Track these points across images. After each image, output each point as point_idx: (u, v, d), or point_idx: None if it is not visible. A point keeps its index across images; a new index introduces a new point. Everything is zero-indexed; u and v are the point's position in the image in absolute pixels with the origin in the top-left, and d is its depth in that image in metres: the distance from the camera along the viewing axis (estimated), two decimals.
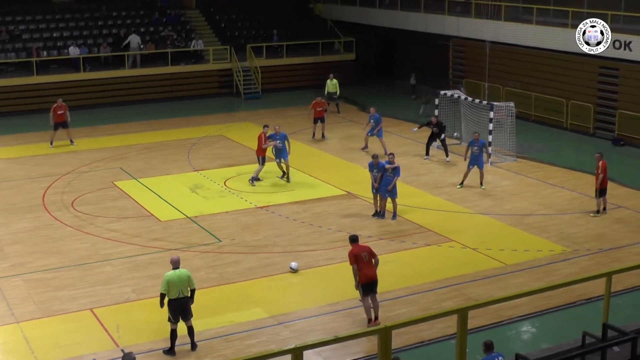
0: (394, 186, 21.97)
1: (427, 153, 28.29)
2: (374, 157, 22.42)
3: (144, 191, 24.83)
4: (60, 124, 30.22)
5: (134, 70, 38.53)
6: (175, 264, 14.87)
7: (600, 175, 22.19)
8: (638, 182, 25.61)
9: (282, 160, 25.39)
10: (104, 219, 22.30)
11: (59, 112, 30.07)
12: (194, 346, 15.08)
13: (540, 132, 32.49)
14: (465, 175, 25.00)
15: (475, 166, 24.78)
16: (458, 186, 25.03)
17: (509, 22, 34.59)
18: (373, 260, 15.90)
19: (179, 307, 14.80)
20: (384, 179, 21.97)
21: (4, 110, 35.58)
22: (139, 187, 25.17)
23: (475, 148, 24.74)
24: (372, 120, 29.23)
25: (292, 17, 45.23)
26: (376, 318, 15.99)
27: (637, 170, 27.80)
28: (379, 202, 22.37)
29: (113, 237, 20.88)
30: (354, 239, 16.30)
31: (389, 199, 22.22)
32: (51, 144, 30.16)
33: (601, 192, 22.39)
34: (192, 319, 15.00)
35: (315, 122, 31.25)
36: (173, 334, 14.87)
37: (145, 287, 17.89)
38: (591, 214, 22.54)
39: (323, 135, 31.45)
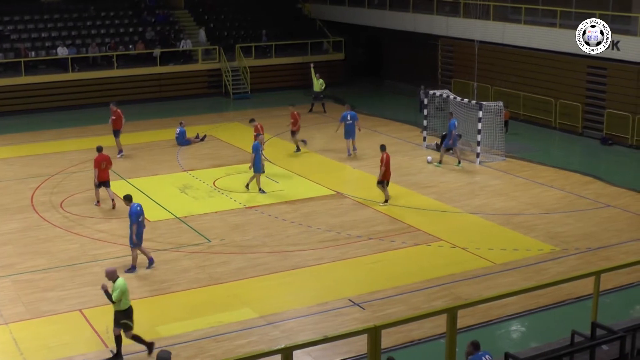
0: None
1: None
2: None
3: (133, 192, 24.69)
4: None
5: (122, 70, 38.43)
6: (114, 274, 14.80)
7: (383, 168, 23.11)
8: (626, 181, 25.70)
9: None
10: (92, 220, 22.25)
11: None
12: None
13: (529, 131, 32.58)
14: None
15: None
16: (437, 164, 27.27)
17: (498, 22, 34.66)
18: (108, 167, 23.04)
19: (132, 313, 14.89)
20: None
21: None
22: (128, 188, 25.08)
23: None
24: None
25: (281, 17, 45.22)
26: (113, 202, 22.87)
27: (624, 169, 27.93)
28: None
29: (102, 237, 20.83)
30: (99, 149, 23.07)
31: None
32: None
33: (381, 182, 23.27)
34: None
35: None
36: (137, 338, 14.86)
37: (134, 287, 17.81)
38: (380, 204, 23.34)
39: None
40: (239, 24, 44.02)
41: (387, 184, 23.39)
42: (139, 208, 18.49)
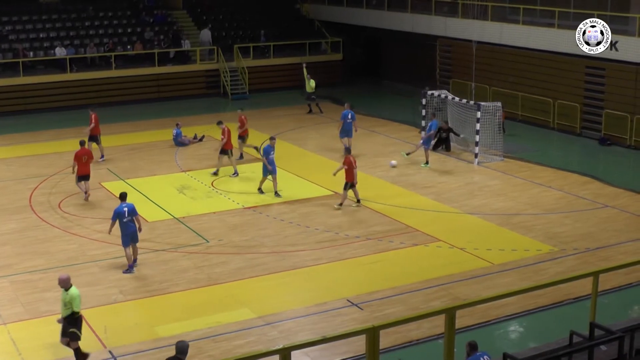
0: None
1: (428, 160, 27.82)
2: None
3: (131, 192, 24.70)
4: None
5: (120, 70, 38.43)
6: (68, 282, 14.37)
7: (355, 170, 22.93)
8: (624, 182, 25.71)
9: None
10: (91, 220, 22.23)
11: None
12: None
13: (527, 131, 32.59)
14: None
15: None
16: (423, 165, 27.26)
17: (496, 22, 34.66)
18: (90, 161, 23.63)
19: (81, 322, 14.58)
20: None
21: None
22: (126, 188, 25.03)
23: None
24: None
25: (279, 17, 45.22)
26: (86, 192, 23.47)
27: (623, 170, 27.95)
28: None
29: (100, 238, 20.80)
30: (82, 144, 23.89)
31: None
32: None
33: (346, 185, 23.00)
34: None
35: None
36: (78, 352, 14.51)
37: (132, 288, 17.85)
38: (335, 206, 23.10)
39: None
40: (237, 24, 44.01)
41: (347, 187, 23.06)
42: (125, 208, 18.46)
